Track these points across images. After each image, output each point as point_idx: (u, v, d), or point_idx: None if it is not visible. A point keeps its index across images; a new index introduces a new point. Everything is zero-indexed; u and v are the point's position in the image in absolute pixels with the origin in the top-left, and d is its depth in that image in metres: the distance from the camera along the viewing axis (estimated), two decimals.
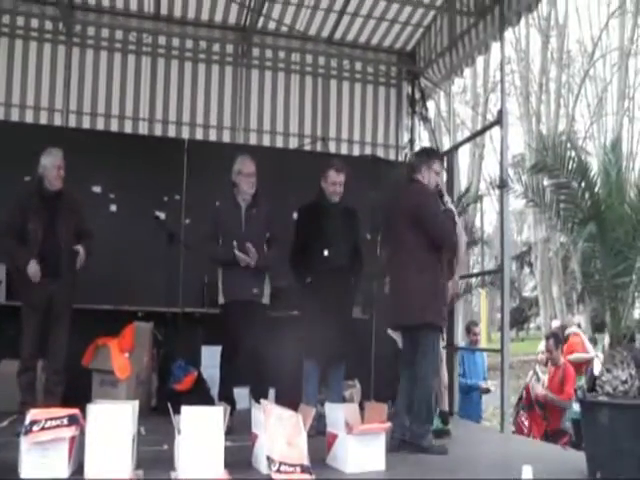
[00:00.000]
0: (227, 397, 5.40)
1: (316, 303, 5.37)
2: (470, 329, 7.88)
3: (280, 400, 5.01)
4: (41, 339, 5.42)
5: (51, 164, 5.53)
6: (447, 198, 5.06)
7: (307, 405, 4.68)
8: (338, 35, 8.23)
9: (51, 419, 3.52)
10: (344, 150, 8.34)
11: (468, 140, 11.09)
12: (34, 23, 7.68)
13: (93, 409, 3.58)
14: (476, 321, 9.13)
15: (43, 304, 5.39)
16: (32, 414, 3.54)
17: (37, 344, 5.40)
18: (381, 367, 6.72)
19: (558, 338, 7.62)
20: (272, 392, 5.90)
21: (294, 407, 4.24)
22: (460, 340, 7.48)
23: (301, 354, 5.51)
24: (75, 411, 3.61)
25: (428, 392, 4.75)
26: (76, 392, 5.31)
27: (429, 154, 5.29)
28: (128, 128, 7.79)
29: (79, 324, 5.61)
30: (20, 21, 7.64)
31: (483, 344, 10.66)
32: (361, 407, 4.53)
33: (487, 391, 7.51)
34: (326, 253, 5.44)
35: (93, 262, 5.76)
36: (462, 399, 6.95)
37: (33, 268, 5.32)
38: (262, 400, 4.42)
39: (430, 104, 9.16)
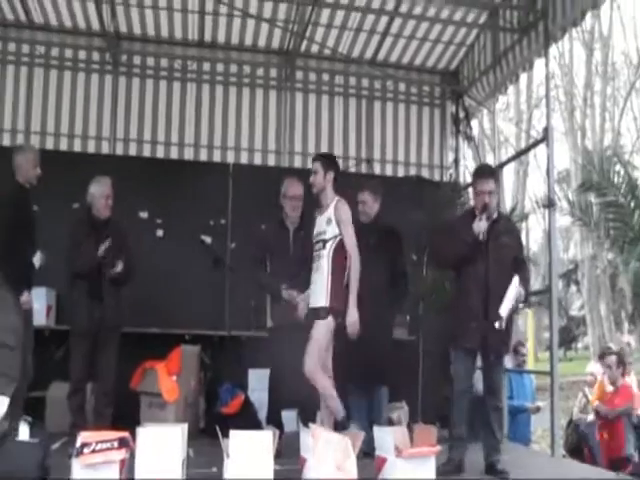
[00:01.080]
0: (275, 420, 5.43)
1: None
2: (517, 349, 7.77)
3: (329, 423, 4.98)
4: (90, 362, 5.56)
5: (99, 193, 5.73)
6: (481, 217, 4.96)
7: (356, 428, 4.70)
8: (381, 56, 8.30)
9: (102, 442, 3.59)
10: (389, 171, 8.35)
11: (513, 159, 11.03)
12: (82, 55, 7.95)
13: (143, 432, 3.64)
14: (522, 341, 8.97)
15: (91, 329, 5.53)
16: (83, 436, 3.62)
17: (86, 367, 5.55)
18: (429, 388, 6.70)
19: (621, 356, 7.36)
20: (320, 415, 5.90)
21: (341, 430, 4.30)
22: (507, 360, 7.37)
23: (346, 376, 5.46)
24: (125, 434, 3.67)
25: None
26: (125, 414, 5.45)
27: (472, 175, 5.31)
28: (174, 154, 7.96)
29: (127, 347, 5.77)
30: (68, 53, 7.92)
31: (530, 364, 10.51)
32: (409, 429, 4.51)
33: (537, 410, 7.40)
34: None
35: (140, 286, 5.97)
36: (510, 421, 6.87)
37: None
38: (310, 424, 4.44)
39: (473, 122, 9.15)
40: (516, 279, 4.78)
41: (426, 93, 8.60)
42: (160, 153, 7.90)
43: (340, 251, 4.89)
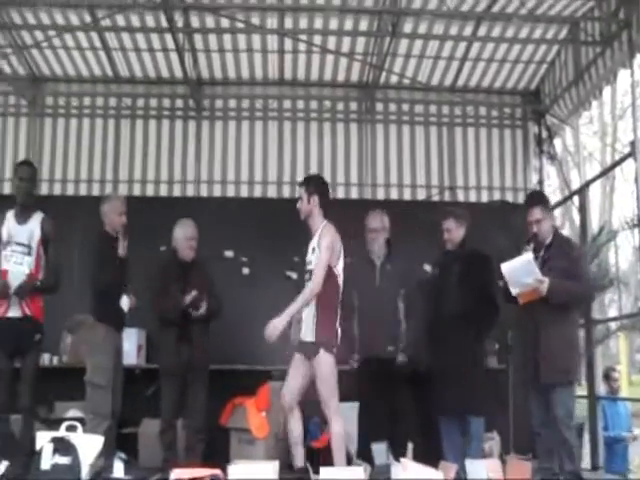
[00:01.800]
0: (365, 454, 5.45)
1: (439, 355, 5.42)
2: (609, 375, 7.56)
3: (419, 456, 5.00)
4: (180, 400, 5.73)
5: (183, 236, 5.98)
6: (527, 248, 5.02)
7: (447, 461, 4.67)
8: (461, 82, 8.32)
9: (194, 478, 3.71)
10: (472, 197, 8.31)
11: (599, 177, 10.68)
12: (166, 103, 8.38)
13: (234, 469, 3.74)
14: (614, 366, 8.66)
15: (180, 370, 5.72)
16: (175, 473, 3.76)
17: (177, 405, 5.72)
18: (520, 417, 6.52)
19: None
20: (411, 447, 5.85)
21: (434, 464, 4.27)
22: (599, 387, 7.18)
23: (437, 408, 5.53)
24: (217, 471, 3.79)
25: None
26: (215, 450, 5.60)
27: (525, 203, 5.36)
28: (257, 192, 8.21)
29: (216, 384, 5.91)
30: (153, 102, 8.38)
31: (624, 389, 10.07)
32: (501, 460, 4.44)
33: (635, 439, 7.23)
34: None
35: (228, 324, 6.14)
36: (607, 452, 6.66)
37: None
38: (401, 458, 4.47)
39: (556, 140, 8.99)
40: (529, 255, 4.81)
41: (507, 115, 8.54)
42: (244, 192, 8.16)
43: (328, 281, 4.69)
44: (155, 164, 8.22)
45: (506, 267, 4.98)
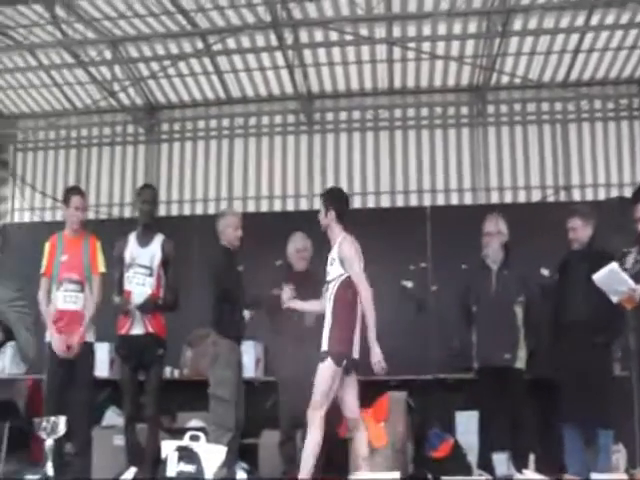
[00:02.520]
0: (486, 464, 5.44)
1: (565, 362, 5.29)
2: None
3: (541, 467, 4.94)
4: (300, 411, 5.71)
5: (294, 249, 6.12)
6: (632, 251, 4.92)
7: (570, 474, 4.61)
8: (573, 76, 8.14)
9: None
10: (589, 196, 8.10)
11: None
12: (277, 119, 8.69)
13: None
14: None
15: (297, 380, 5.73)
16: None
17: (296, 416, 5.72)
18: None
19: None
20: (532, 458, 5.75)
21: (556, 476, 4.26)
22: None
23: (561, 418, 5.41)
24: None
25: None
26: (334, 462, 5.58)
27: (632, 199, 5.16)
28: (371, 203, 8.34)
29: None
30: (265, 120, 8.71)
31: None
32: (628, 474, 4.32)
33: None
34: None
35: None
36: None
37: None
38: (523, 469, 4.45)
39: None
40: (613, 265, 4.71)
41: (624, 106, 8.25)
42: (357, 203, 8.28)
43: (343, 290, 4.64)
44: (268, 180, 8.55)
45: (597, 278, 4.85)
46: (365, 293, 4.61)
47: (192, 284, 6.42)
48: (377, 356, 4.58)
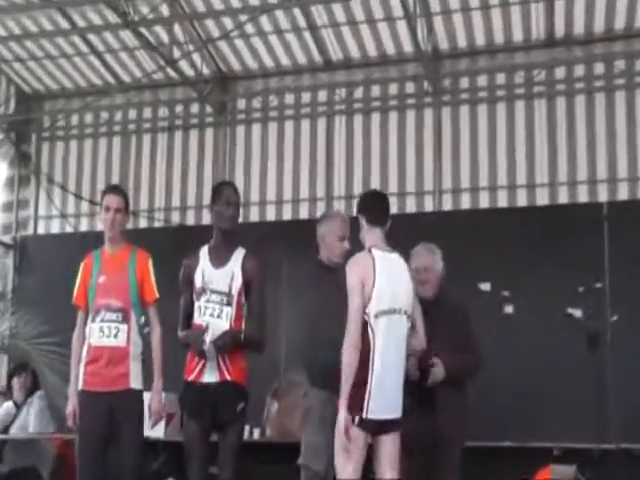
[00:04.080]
0: None
1: None
2: None
3: None
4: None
5: (414, 267, 5.78)
6: None
7: None
8: None
9: None
10: None
11: None
12: (392, 89, 8.65)
13: None
14: None
15: (419, 442, 5.43)
16: None
17: None
18: None
19: None
20: None
21: None
22: None
23: None
24: None
25: None
26: None
27: None
28: (521, 199, 8.17)
29: (474, 466, 5.70)
30: (375, 90, 8.69)
31: None
32: None
33: None
34: None
35: (487, 383, 5.97)
36: None
37: None
38: None
39: None
40: None
41: None
42: (502, 201, 8.17)
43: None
44: (380, 170, 8.48)
45: None
46: (347, 340, 4.62)
47: (281, 313, 6.43)
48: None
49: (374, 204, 5.08)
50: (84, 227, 8.96)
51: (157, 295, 5.48)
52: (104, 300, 5.35)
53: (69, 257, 5.88)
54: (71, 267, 5.53)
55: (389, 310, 4.66)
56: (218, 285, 5.30)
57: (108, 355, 5.31)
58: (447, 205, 8.29)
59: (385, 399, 4.61)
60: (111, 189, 5.67)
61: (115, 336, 5.32)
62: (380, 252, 4.76)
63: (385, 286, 4.65)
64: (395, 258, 4.82)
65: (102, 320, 5.33)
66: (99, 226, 6.85)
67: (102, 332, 5.33)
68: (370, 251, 4.75)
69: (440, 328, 5.12)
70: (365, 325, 4.63)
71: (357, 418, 4.52)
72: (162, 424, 6.77)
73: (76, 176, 9.24)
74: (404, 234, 5.85)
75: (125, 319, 5.36)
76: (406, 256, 4.99)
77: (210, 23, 8.21)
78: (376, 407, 4.57)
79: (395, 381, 4.66)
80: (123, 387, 5.27)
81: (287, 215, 8.59)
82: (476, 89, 8.47)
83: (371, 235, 4.88)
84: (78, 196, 9.13)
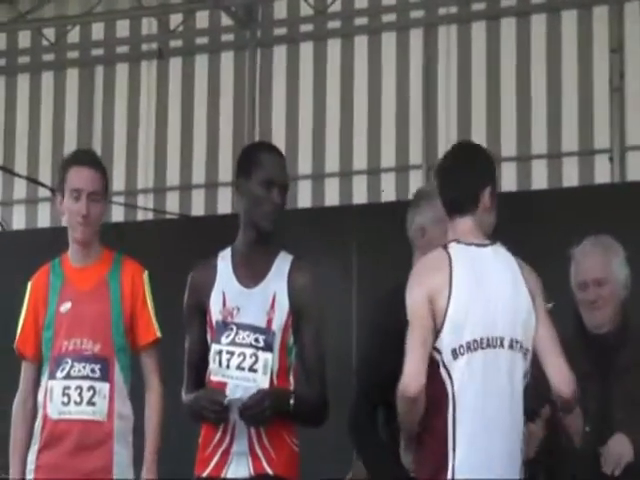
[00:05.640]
0: None
1: None
2: None
3: None
4: None
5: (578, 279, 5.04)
6: None
7: None
8: None
9: None
10: None
11: None
12: None
13: None
14: None
15: None
16: None
17: None
18: None
19: None
20: None
21: None
22: None
23: None
24: None
25: None
26: None
27: None
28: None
29: None
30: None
31: None
32: None
33: None
34: None
35: None
36: None
37: None
38: None
39: None
40: None
41: None
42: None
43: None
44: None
45: None
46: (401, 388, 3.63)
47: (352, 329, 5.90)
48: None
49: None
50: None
51: (158, 334, 4.33)
52: (70, 342, 4.16)
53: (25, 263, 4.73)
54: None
55: (480, 342, 3.61)
56: (250, 315, 4.06)
57: (78, 435, 4.15)
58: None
59: None
60: (80, 158, 4.40)
61: (89, 402, 4.17)
62: (463, 247, 3.66)
63: (470, 302, 3.60)
64: (490, 254, 3.65)
65: (67, 376, 4.15)
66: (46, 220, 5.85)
67: (67, 396, 4.16)
68: (446, 247, 3.67)
69: (625, 380, 4.16)
70: (437, 368, 3.64)
71: None
72: None
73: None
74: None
75: (105, 374, 4.19)
76: None
77: None
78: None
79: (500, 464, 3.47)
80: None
81: (359, 197, 7.51)
82: None
83: (453, 226, 3.85)
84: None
